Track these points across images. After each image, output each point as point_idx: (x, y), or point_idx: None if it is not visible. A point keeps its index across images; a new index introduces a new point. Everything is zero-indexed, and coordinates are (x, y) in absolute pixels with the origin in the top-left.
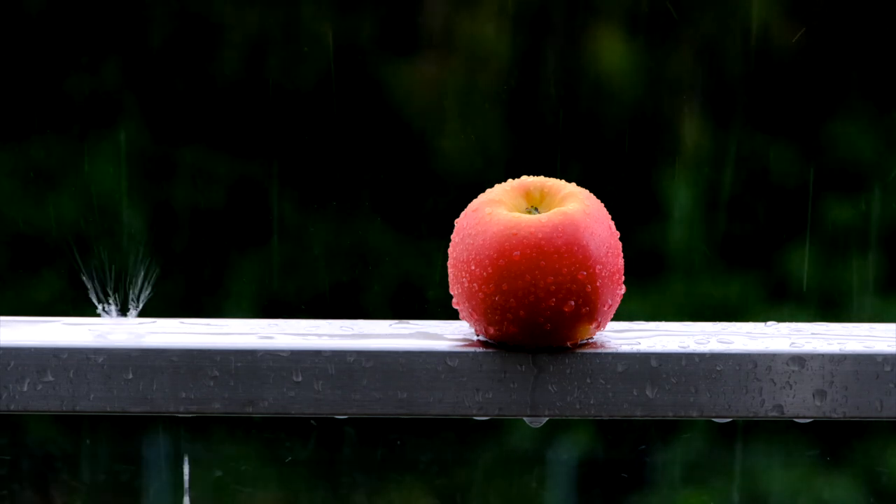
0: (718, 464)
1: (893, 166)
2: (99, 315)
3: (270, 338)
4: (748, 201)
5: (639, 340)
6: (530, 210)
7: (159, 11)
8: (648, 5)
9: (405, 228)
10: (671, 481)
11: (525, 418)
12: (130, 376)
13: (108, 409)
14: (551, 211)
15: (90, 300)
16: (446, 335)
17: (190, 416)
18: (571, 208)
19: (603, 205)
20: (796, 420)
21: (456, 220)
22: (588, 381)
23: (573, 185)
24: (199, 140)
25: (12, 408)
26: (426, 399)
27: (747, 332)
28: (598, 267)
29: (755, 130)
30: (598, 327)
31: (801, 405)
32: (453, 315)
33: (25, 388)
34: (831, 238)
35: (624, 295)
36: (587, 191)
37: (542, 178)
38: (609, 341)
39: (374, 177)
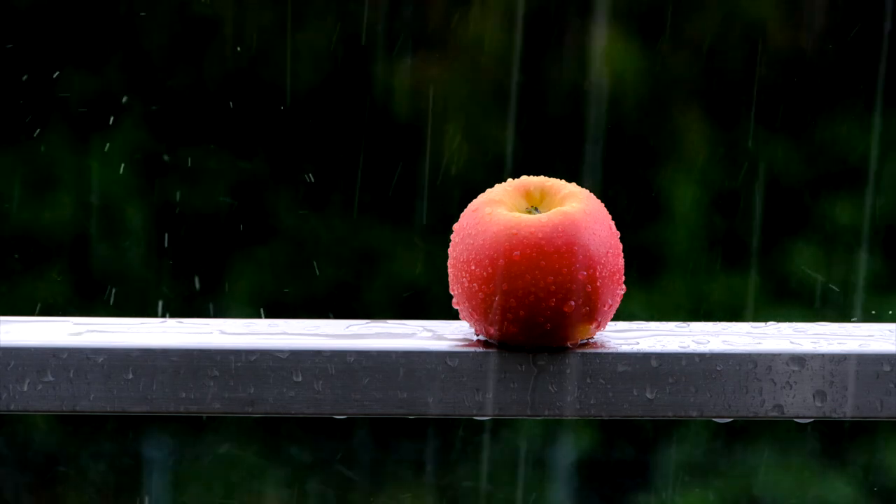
0: (718, 464)
1: (894, 165)
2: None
3: (270, 338)
4: (748, 201)
5: (638, 340)
6: (530, 210)
7: (160, 11)
8: (649, 5)
9: (405, 228)
10: (671, 481)
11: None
12: (130, 376)
13: (108, 409)
14: (551, 211)
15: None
16: (446, 335)
17: (190, 415)
18: (571, 208)
19: (603, 205)
20: (796, 420)
21: (455, 221)
22: (588, 381)
23: (573, 184)
24: (199, 140)
25: (12, 408)
26: (426, 399)
27: (747, 332)
28: (599, 267)
29: (755, 130)
30: (598, 327)
31: (802, 405)
32: (453, 315)
33: (25, 388)
34: (832, 237)
35: (624, 295)
36: (587, 191)
37: (542, 177)
38: (609, 341)
39: (374, 176)
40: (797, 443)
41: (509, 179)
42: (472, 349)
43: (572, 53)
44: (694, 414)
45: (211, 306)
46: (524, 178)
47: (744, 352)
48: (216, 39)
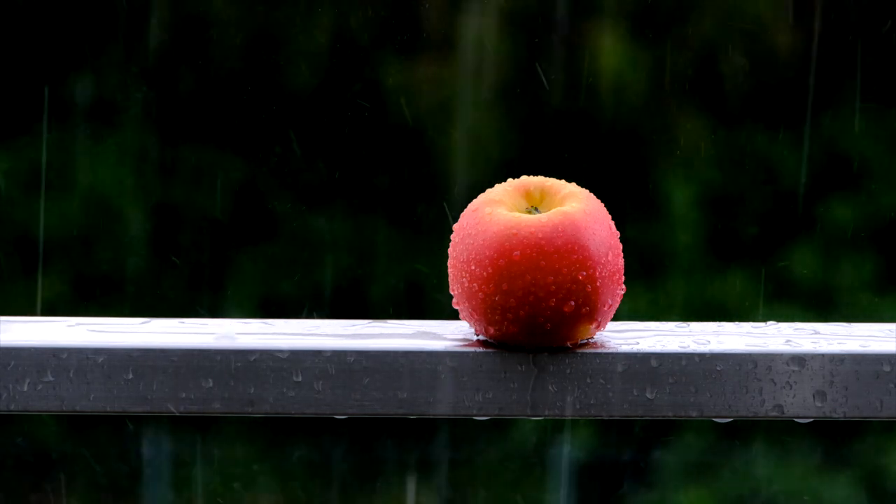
0: (718, 464)
1: (893, 164)
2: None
3: (270, 338)
4: (747, 200)
5: (638, 340)
6: (530, 210)
7: (161, 10)
8: (648, 5)
9: (406, 228)
10: (671, 481)
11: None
12: (130, 376)
13: (108, 409)
14: (551, 211)
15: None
16: (446, 335)
17: (190, 415)
18: (571, 208)
19: (603, 205)
20: (796, 420)
21: (456, 221)
22: (588, 381)
23: (573, 184)
24: (199, 140)
25: (12, 408)
26: (426, 399)
27: (747, 332)
28: (599, 267)
29: (755, 129)
30: (598, 327)
31: (801, 405)
32: (453, 315)
33: (25, 388)
34: (831, 237)
35: (624, 295)
36: (587, 191)
37: (541, 177)
38: (609, 341)
39: (374, 176)
40: (797, 443)
41: (509, 179)
42: (472, 349)
43: (572, 53)
44: (694, 414)
45: (211, 306)
46: (524, 178)
47: (744, 352)
48: (217, 39)
